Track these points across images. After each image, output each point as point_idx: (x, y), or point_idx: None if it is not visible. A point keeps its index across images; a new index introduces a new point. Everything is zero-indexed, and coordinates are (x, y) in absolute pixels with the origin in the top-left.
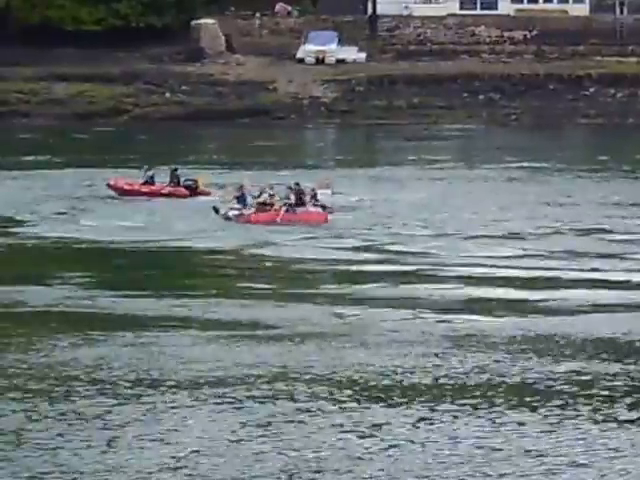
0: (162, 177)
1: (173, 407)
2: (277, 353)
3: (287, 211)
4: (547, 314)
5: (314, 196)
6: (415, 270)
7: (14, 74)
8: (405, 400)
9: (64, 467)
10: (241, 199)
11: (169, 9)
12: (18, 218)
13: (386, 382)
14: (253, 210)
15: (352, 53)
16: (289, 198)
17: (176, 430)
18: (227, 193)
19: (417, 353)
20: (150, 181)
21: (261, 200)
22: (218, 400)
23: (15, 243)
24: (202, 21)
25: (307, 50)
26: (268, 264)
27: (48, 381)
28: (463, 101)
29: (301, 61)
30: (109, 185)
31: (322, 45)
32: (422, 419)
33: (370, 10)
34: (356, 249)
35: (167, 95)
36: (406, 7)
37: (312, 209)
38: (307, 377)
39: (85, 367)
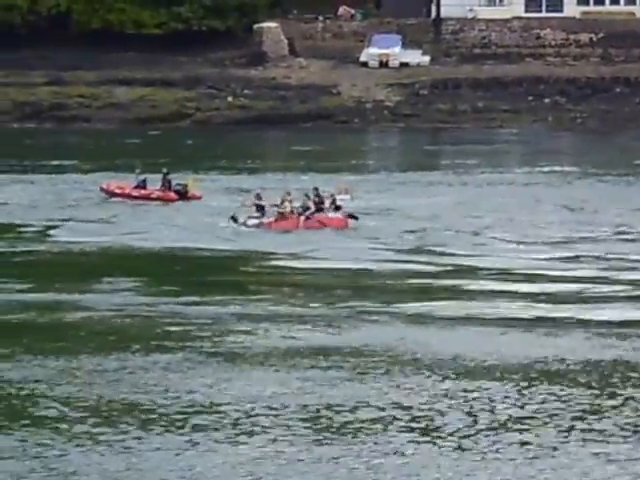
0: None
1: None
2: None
3: (307, 218)
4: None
5: (333, 201)
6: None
7: (75, 78)
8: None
9: (143, 472)
10: (260, 207)
11: (231, 12)
12: (52, 224)
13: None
14: (272, 218)
15: (416, 56)
16: (307, 205)
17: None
18: (247, 200)
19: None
20: (142, 185)
21: (281, 208)
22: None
23: (59, 249)
24: (265, 24)
25: (370, 53)
26: (324, 275)
27: (123, 388)
28: (528, 105)
29: (364, 64)
30: (102, 188)
31: (386, 48)
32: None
33: (434, 13)
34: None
35: (229, 99)
36: (470, 10)
37: (331, 215)
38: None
39: (141, 377)
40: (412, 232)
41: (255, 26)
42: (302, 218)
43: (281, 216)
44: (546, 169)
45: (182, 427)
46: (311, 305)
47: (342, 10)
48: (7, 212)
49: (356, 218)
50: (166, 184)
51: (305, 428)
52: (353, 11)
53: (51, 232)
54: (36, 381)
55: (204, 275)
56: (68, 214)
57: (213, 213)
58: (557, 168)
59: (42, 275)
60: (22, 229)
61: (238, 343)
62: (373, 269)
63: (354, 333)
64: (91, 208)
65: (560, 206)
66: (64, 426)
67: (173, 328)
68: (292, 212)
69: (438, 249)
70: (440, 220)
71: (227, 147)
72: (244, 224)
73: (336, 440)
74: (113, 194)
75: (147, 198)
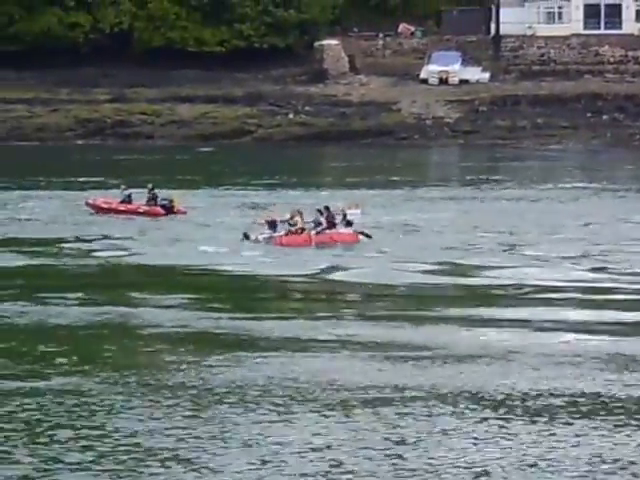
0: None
1: (324, 426)
2: (418, 374)
3: (318, 233)
4: None
5: (344, 217)
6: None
7: (138, 96)
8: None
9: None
10: (272, 225)
11: (292, 30)
12: (89, 239)
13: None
14: (283, 234)
15: (475, 73)
16: (319, 221)
17: (329, 447)
18: (260, 217)
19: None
20: (127, 200)
21: (292, 224)
22: (372, 418)
23: (103, 264)
24: (325, 42)
25: (430, 70)
26: (359, 287)
27: (194, 401)
28: (587, 121)
29: (424, 81)
30: (87, 203)
31: (445, 65)
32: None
33: (494, 30)
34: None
35: (290, 116)
36: (529, 27)
37: (343, 230)
38: (454, 396)
39: (231, 386)
40: (456, 248)
41: (316, 43)
42: (313, 233)
43: (292, 232)
44: (599, 185)
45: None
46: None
47: (402, 27)
48: (44, 226)
49: (369, 236)
50: (152, 199)
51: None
52: (413, 28)
53: (89, 247)
54: (117, 393)
55: (249, 292)
56: (107, 229)
57: (229, 230)
58: (611, 185)
59: (96, 289)
60: (64, 244)
61: (311, 349)
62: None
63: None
64: (122, 224)
65: (612, 220)
66: (140, 440)
67: (243, 338)
68: (303, 228)
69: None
70: (481, 234)
71: (286, 163)
72: (255, 240)
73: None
74: (99, 209)
75: (134, 212)
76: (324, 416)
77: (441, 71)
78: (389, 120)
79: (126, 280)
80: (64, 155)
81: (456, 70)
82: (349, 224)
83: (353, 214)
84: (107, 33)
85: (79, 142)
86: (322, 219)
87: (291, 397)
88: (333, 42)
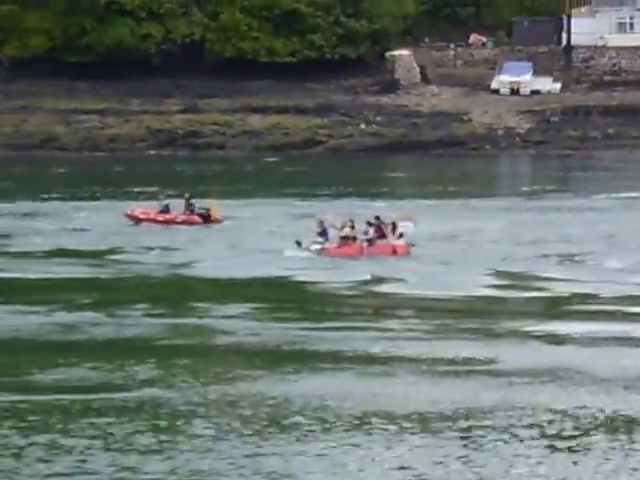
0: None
1: (420, 446)
2: (507, 391)
3: (369, 244)
4: None
5: (394, 229)
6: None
7: (210, 106)
8: None
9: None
10: (323, 233)
11: (364, 40)
12: (149, 248)
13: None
14: (335, 244)
15: (547, 84)
16: (368, 232)
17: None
18: (314, 226)
19: None
20: (165, 210)
21: (343, 234)
22: (464, 434)
23: (163, 274)
24: (397, 52)
25: (501, 81)
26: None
27: (271, 412)
28: None
29: (495, 92)
30: (127, 215)
31: (516, 76)
32: None
33: (565, 41)
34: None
35: (362, 126)
36: (601, 37)
37: (393, 241)
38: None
39: (308, 399)
40: (517, 259)
41: (387, 54)
42: (365, 244)
43: (344, 242)
44: None
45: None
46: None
47: (473, 38)
48: (95, 237)
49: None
50: (189, 208)
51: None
52: (484, 39)
53: (142, 258)
54: (196, 404)
55: (308, 301)
56: (155, 240)
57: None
58: None
59: (161, 299)
60: (118, 255)
61: (386, 363)
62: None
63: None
64: (171, 234)
65: None
66: (219, 447)
67: (317, 350)
68: (354, 238)
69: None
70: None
71: (352, 173)
72: (307, 249)
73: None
74: (138, 220)
75: (172, 222)
76: (404, 439)
77: (512, 81)
78: (460, 130)
79: (190, 291)
80: (133, 166)
81: (527, 80)
82: (401, 236)
83: (406, 226)
84: (179, 44)
85: (151, 152)
86: (370, 230)
87: (372, 414)
88: (404, 52)
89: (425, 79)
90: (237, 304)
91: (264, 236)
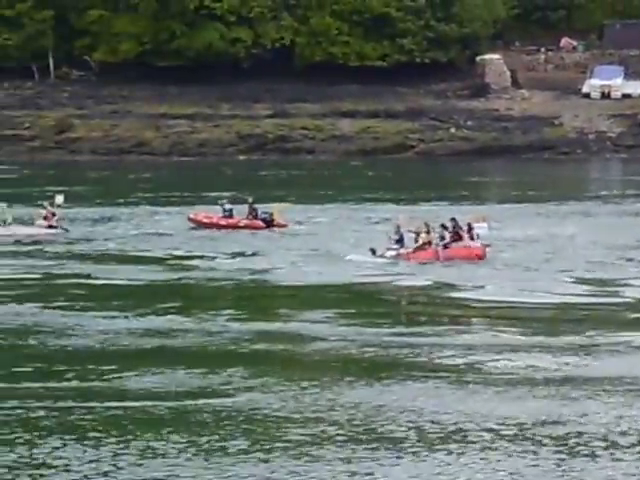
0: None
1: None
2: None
3: (445, 248)
4: None
5: (469, 230)
6: None
7: (299, 111)
8: None
9: None
10: (400, 240)
11: (454, 44)
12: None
13: None
14: (410, 249)
15: (638, 87)
16: (444, 236)
17: None
18: (406, 223)
19: None
20: (228, 214)
21: (419, 241)
22: (560, 443)
23: (238, 278)
24: (487, 56)
25: (592, 84)
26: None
27: (366, 418)
28: None
29: (587, 96)
30: (190, 219)
31: (608, 79)
32: None
33: None
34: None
35: (452, 130)
36: None
37: (469, 243)
38: None
39: (400, 408)
40: (601, 263)
41: (478, 58)
42: (440, 248)
43: (419, 247)
44: None
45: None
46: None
47: (564, 42)
48: (171, 241)
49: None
50: (252, 213)
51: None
52: (575, 43)
53: (217, 263)
54: (292, 410)
55: (392, 306)
56: (243, 245)
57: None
58: None
59: (248, 304)
60: (192, 261)
61: (482, 371)
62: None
63: (598, 362)
64: (244, 239)
65: None
66: (314, 452)
67: (409, 356)
68: (430, 242)
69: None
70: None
71: (437, 177)
72: (382, 255)
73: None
74: (201, 224)
75: (235, 227)
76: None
77: (603, 85)
78: (551, 134)
79: (271, 296)
80: (220, 170)
81: (619, 84)
82: (475, 237)
83: (480, 227)
84: (268, 48)
85: (240, 157)
86: (446, 234)
87: (465, 423)
88: (495, 56)
89: (515, 83)
90: (320, 309)
91: (335, 241)
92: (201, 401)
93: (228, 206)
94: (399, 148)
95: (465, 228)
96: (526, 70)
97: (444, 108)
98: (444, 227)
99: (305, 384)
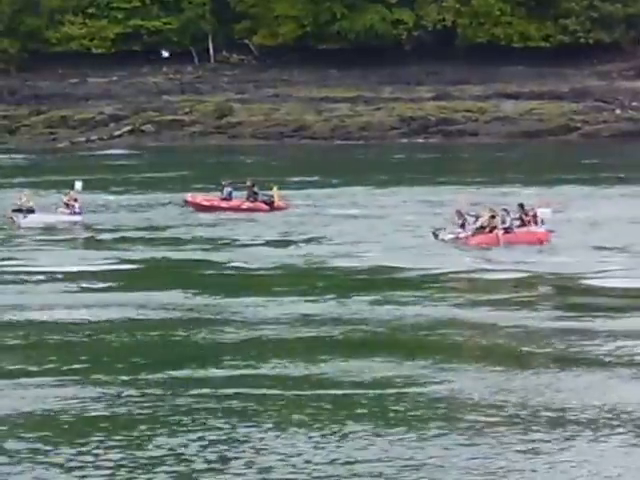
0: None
1: None
2: None
3: (506, 232)
4: None
5: (534, 215)
6: None
7: (462, 93)
8: None
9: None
10: (463, 225)
11: (618, 25)
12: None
13: None
14: (470, 233)
15: None
16: (505, 220)
17: None
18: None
19: None
20: (228, 197)
21: (479, 224)
22: None
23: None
24: None
25: None
26: None
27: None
28: None
29: None
30: (186, 201)
31: None
32: None
33: None
34: None
35: (617, 112)
36: None
37: (533, 228)
38: None
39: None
40: None
41: None
42: (501, 233)
43: (479, 231)
44: None
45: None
46: None
47: None
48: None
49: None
50: (253, 196)
51: None
52: None
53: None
54: (470, 392)
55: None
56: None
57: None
58: None
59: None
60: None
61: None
62: None
63: None
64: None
65: None
66: (507, 437)
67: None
68: (494, 226)
69: None
70: None
71: (612, 160)
72: (443, 239)
73: None
74: (199, 207)
75: (238, 209)
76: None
77: None
78: None
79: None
80: (378, 154)
81: None
82: (540, 222)
83: (544, 212)
84: (430, 30)
85: (403, 141)
86: (508, 218)
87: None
88: None
89: None
90: (486, 296)
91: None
92: (396, 390)
93: (228, 189)
94: (563, 130)
95: (531, 213)
96: None
97: (609, 89)
98: (506, 211)
99: (493, 372)
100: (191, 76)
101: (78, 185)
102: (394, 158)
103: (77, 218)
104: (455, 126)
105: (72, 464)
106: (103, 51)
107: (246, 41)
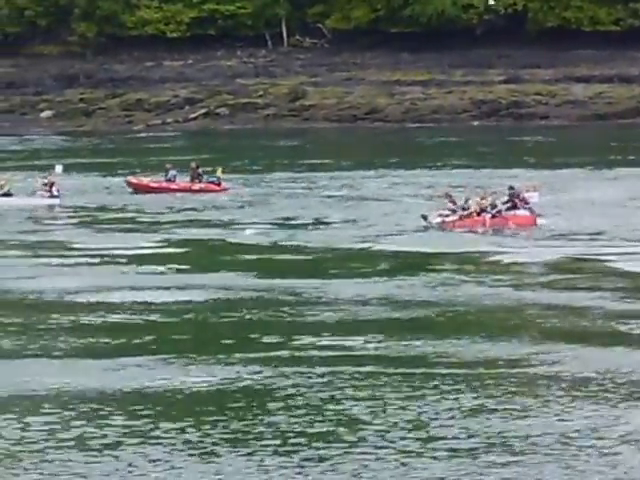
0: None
1: None
2: None
3: (493, 216)
4: None
5: (523, 199)
6: None
7: (532, 76)
8: None
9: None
10: (454, 209)
11: None
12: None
13: None
14: (457, 217)
15: None
16: (495, 204)
17: None
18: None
19: None
20: (172, 179)
21: (466, 206)
22: None
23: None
24: None
25: None
26: None
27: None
28: None
29: None
30: (128, 182)
31: None
32: None
33: None
34: None
35: None
36: None
37: (520, 212)
38: None
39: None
40: None
41: None
42: (488, 216)
43: (466, 214)
44: None
45: None
46: None
47: None
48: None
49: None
50: (198, 178)
51: None
52: None
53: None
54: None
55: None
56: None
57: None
58: None
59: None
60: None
61: None
62: None
63: None
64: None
65: None
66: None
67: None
68: (483, 209)
69: None
70: None
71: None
72: (431, 223)
73: None
74: (145, 188)
75: (189, 190)
76: None
77: None
78: None
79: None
80: (450, 136)
81: None
82: (527, 206)
83: (531, 197)
84: (501, 14)
85: (474, 123)
86: (498, 202)
87: None
88: None
89: None
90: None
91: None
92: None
93: (172, 172)
94: (633, 112)
95: (520, 196)
96: None
97: None
98: (495, 193)
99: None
100: (265, 60)
101: (58, 168)
102: (471, 140)
103: (55, 201)
104: (526, 109)
105: (181, 440)
106: (178, 35)
107: (319, 25)
